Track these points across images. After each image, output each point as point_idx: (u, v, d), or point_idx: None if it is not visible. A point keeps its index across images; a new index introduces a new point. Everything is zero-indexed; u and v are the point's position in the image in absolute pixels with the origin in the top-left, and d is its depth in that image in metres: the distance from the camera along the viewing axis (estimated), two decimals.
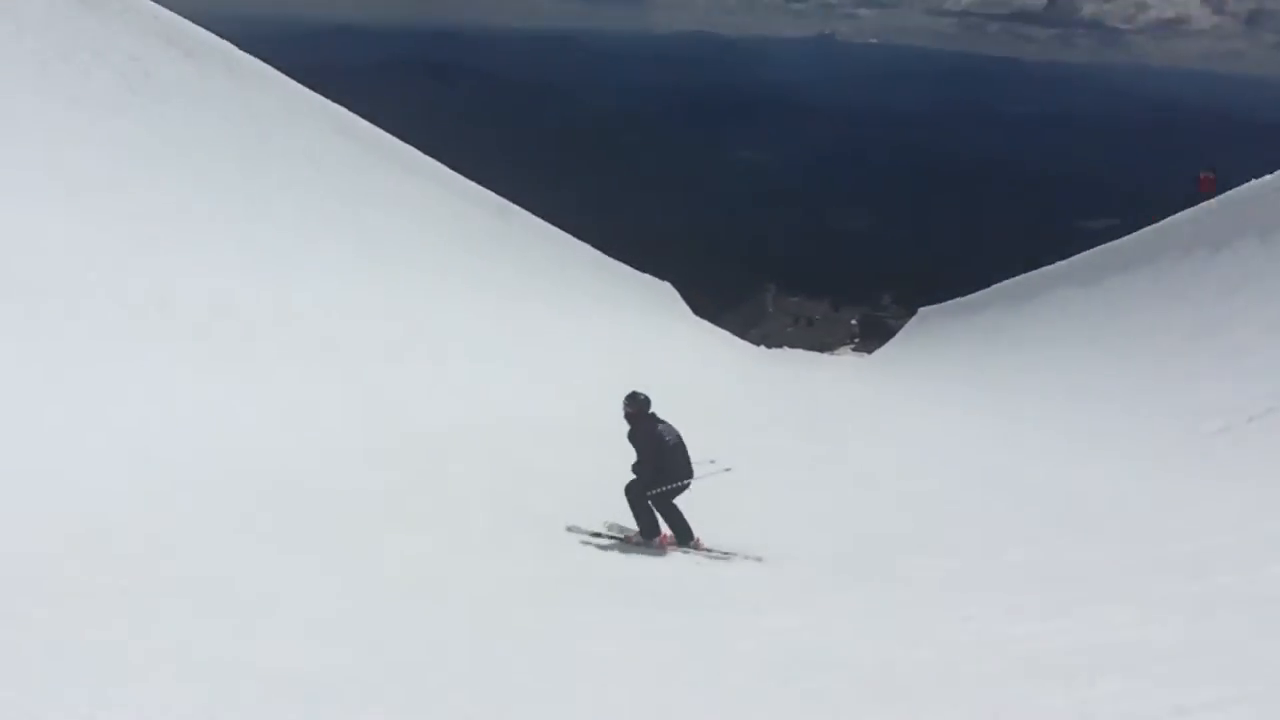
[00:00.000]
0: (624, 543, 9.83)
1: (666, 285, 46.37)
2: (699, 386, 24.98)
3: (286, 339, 13.17)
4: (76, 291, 10.93)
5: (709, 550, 9.73)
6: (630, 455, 10.00)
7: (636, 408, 9.74)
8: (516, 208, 28.17)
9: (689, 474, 9.78)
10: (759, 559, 9.51)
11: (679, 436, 9.82)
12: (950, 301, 44.48)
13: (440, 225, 21.42)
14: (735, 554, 9.62)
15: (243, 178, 15.59)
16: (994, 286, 37.99)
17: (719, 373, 31.84)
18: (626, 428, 9.90)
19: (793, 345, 64.46)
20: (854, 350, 71.28)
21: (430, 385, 14.55)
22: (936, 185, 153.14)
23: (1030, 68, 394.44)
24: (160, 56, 14.47)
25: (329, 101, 19.28)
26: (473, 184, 25.50)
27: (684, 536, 9.74)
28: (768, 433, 19.90)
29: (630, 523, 10.08)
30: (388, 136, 21.23)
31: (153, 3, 14.47)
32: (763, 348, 51.99)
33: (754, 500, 12.32)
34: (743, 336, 55.51)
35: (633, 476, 9.83)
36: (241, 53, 16.53)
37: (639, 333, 31.62)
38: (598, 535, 9.97)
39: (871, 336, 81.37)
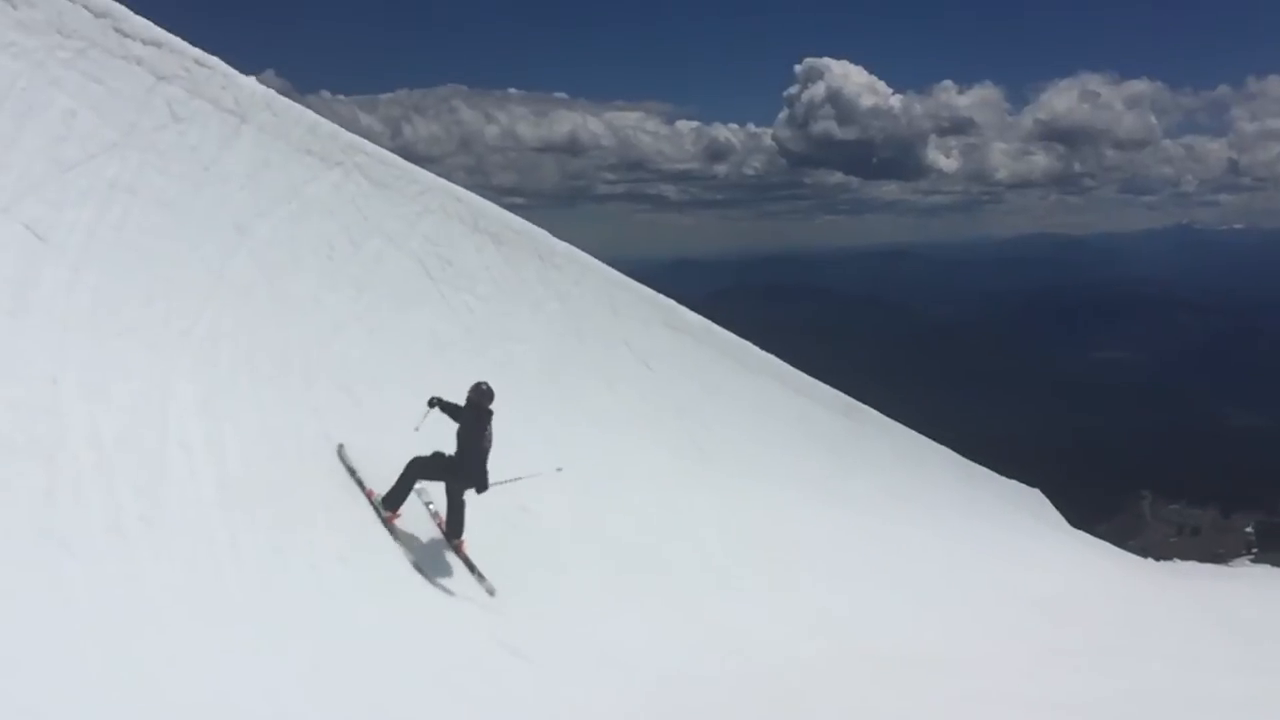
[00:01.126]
0: (368, 498, 9.37)
1: (1035, 492, 41.94)
2: (1094, 607, 21.42)
3: (597, 556, 11.16)
4: (347, 501, 9.14)
5: (466, 557, 9.70)
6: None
7: (480, 399, 9.33)
8: (866, 407, 25.53)
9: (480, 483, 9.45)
10: (491, 593, 9.48)
11: (490, 447, 9.42)
12: None
13: (780, 424, 19.22)
14: (485, 579, 9.58)
15: (556, 373, 14.12)
16: None
17: (1116, 591, 27.18)
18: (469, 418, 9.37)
19: (1182, 557, 56.67)
20: (1253, 561, 61.98)
21: (771, 610, 12.40)
22: None
23: None
24: (463, 242, 13.20)
25: (657, 294, 17.52)
26: (816, 381, 23.13)
27: (455, 531, 9.76)
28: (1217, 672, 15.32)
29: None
30: (720, 330, 19.22)
31: (455, 185, 13.18)
32: (1150, 560, 45.64)
33: None
34: (1121, 548, 49.25)
35: (427, 454, 9.37)
36: (556, 240, 15.06)
37: (1011, 545, 27.96)
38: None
39: (1273, 546, 72.32)
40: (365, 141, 12.02)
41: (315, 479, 8.89)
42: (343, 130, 11.70)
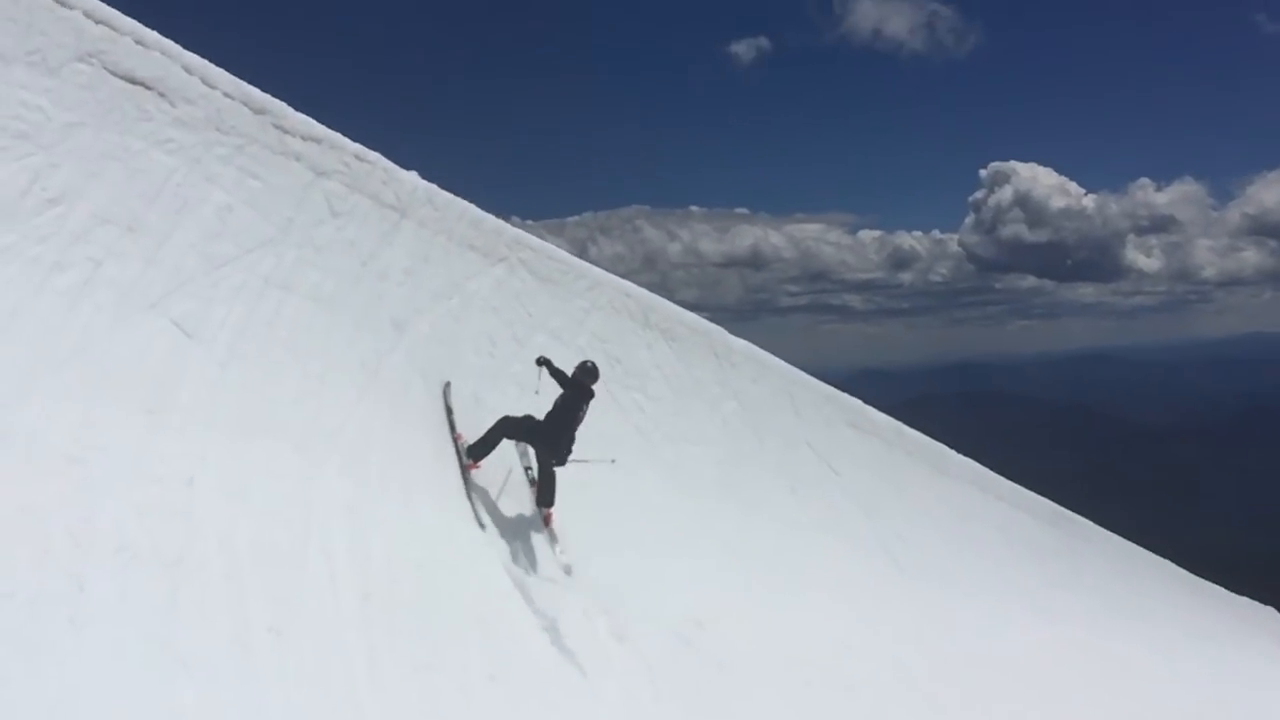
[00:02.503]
0: (454, 440, 9.49)
1: (1270, 610, 38.30)
2: None
3: (779, 673, 10.10)
4: (500, 614, 8.43)
5: (551, 530, 9.69)
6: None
7: (584, 376, 9.50)
8: (1075, 515, 23.67)
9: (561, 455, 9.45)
10: (567, 569, 9.51)
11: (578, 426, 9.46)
12: None
13: (981, 532, 17.84)
14: (562, 547, 9.62)
15: (734, 475, 13.26)
16: None
17: None
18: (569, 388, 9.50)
19: None
20: None
21: None
22: None
23: None
24: (633, 339, 12.64)
25: (840, 393, 16.54)
26: (1019, 488, 21.54)
27: (544, 499, 9.73)
28: None
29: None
30: (911, 432, 18.03)
31: (624, 280, 12.67)
32: None
33: None
34: None
35: (520, 415, 9.50)
36: (733, 337, 14.36)
37: (1245, 667, 25.32)
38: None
39: None
40: (530, 236, 11.63)
41: (467, 590, 8.21)
42: (507, 225, 11.33)
